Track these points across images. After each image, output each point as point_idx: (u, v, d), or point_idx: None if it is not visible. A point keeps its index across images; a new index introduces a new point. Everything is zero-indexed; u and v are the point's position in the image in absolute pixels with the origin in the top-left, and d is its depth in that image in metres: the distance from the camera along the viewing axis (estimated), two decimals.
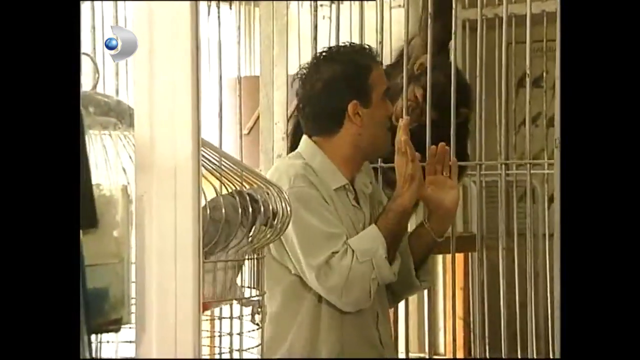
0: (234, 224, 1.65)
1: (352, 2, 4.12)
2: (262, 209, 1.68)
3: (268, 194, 1.71)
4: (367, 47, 2.73)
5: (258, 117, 3.25)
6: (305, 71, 2.66)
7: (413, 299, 3.73)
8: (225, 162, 1.71)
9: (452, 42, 3.24)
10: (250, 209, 1.67)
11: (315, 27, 3.15)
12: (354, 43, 2.76)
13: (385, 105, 2.65)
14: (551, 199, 4.09)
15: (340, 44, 2.81)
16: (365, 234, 2.54)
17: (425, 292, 3.28)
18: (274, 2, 2.97)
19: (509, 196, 3.64)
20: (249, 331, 1.71)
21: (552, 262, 3.61)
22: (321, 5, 3.85)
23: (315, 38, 3.13)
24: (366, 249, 2.49)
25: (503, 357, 3.43)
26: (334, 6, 3.68)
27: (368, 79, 2.61)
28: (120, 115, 1.47)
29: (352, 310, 2.57)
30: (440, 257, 4.15)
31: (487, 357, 3.54)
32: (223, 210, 1.63)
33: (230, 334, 1.67)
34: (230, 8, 4.38)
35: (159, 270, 1.36)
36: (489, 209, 3.86)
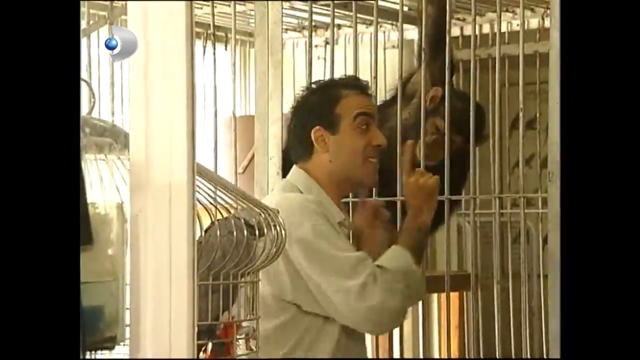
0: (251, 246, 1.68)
1: (347, 43, 4.16)
2: (257, 232, 1.69)
3: (264, 218, 1.71)
4: (347, 76, 2.79)
5: (253, 157, 3.25)
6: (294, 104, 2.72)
7: (408, 336, 3.71)
8: (222, 191, 1.72)
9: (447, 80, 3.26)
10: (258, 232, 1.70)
11: (310, 63, 3.18)
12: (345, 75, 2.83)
13: (362, 133, 2.59)
14: (545, 240, 4.09)
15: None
16: (391, 254, 2.51)
17: (420, 329, 3.27)
18: (269, 37, 2.99)
19: (503, 236, 3.64)
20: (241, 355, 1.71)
21: (547, 302, 3.60)
22: (316, 46, 3.87)
23: (310, 74, 3.15)
24: (398, 267, 2.48)
25: None
26: (328, 47, 3.71)
27: (335, 105, 2.59)
28: (115, 136, 1.47)
29: (382, 332, 2.65)
30: (435, 296, 4.15)
31: None
32: (235, 233, 1.66)
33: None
34: (226, 49, 4.41)
35: (153, 289, 1.36)
36: (484, 249, 3.87)
